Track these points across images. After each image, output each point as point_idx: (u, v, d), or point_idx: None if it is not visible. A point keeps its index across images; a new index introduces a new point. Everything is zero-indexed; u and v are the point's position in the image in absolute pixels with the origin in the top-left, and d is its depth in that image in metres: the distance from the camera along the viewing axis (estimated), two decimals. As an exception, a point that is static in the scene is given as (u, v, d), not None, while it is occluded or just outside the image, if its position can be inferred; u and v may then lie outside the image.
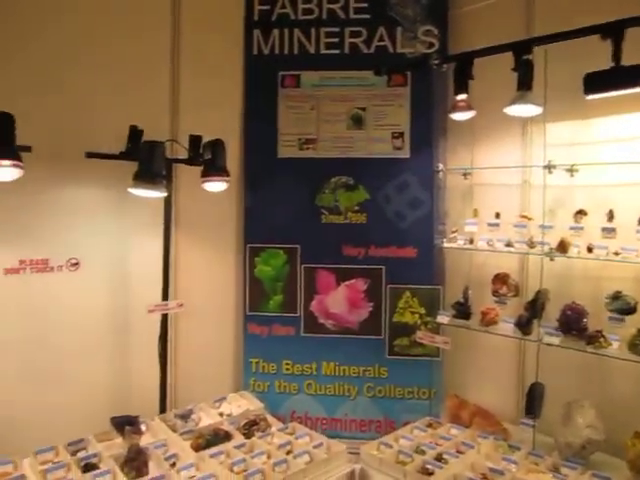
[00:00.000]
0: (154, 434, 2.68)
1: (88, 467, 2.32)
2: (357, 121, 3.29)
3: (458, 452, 2.60)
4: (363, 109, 3.28)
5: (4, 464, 2.30)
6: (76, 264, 2.79)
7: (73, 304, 2.80)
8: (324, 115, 3.31)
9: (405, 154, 3.25)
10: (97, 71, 2.79)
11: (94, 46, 2.79)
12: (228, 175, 2.80)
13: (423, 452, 2.58)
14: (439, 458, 2.52)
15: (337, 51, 3.29)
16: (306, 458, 2.50)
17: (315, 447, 2.58)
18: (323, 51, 3.30)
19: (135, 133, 2.62)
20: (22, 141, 2.17)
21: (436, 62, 2.81)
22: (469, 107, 2.78)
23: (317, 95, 3.31)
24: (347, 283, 3.28)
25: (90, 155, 2.55)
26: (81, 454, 2.42)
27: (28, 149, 2.24)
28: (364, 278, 3.27)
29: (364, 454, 2.62)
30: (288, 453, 2.53)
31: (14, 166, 2.13)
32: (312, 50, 3.30)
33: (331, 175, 3.28)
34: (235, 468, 2.38)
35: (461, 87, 2.71)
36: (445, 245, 3.08)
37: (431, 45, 3.22)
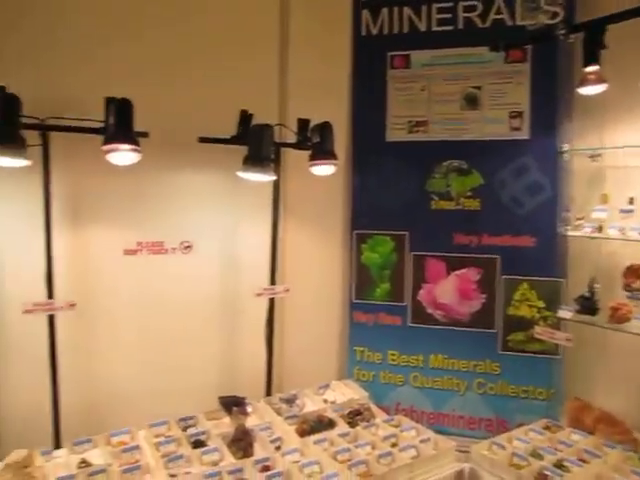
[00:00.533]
0: (260, 416, 2.71)
1: (197, 443, 2.39)
2: (471, 101, 3.09)
3: (580, 460, 2.37)
4: (478, 88, 3.08)
5: (122, 434, 2.44)
6: (189, 247, 2.88)
7: (185, 285, 2.90)
8: (435, 96, 3.15)
9: (524, 135, 3.01)
10: (208, 57, 2.85)
11: (204, 33, 2.84)
12: (336, 159, 2.74)
13: (540, 457, 2.39)
14: (559, 465, 2.31)
15: (450, 27, 3.11)
16: (412, 452, 2.40)
17: (422, 442, 2.48)
18: (435, 28, 3.14)
19: (245, 117, 2.64)
20: (139, 127, 2.25)
21: (562, 32, 2.55)
22: (600, 80, 2.50)
23: (428, 75, 3.15)
24: (458, 273, 3.12)
25: (202, 140, 2.60)
26: (191, 430, 2.50)
27: (145, 135, 2.32)
28: (476, 268, 3.09)
29: (475, 453, 2.47)
30: (393, 446, 2.45)
31: (133, 150, 2.21)
32: (423, 28, 3.15)
33: (442, 159, 3.12)
34: (339, 457, 2.34)
35: (592, 58, 2.44)
36: (569, 233, 2.81)
37: (555, 15, 2.94)
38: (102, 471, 2.15)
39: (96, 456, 2.30)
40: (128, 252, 2.71)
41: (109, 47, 2.59)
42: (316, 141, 2.72)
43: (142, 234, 2.74)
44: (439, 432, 2.64)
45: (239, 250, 3.05)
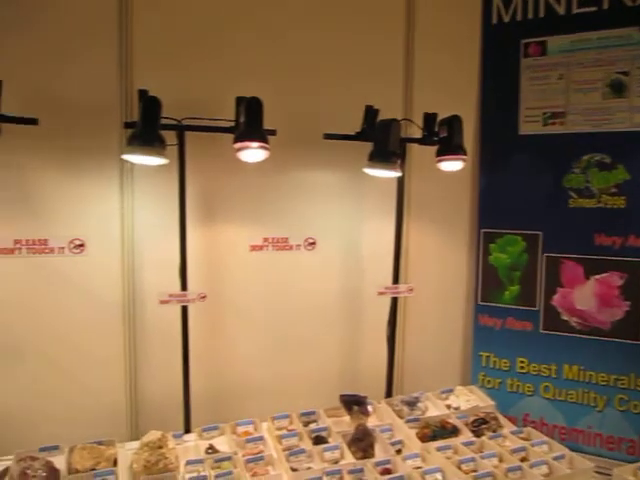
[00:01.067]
0: (380, 417, 2.66)
1: (318, 439, 2.40)
2: (617, 88, 2.80)
3: None
4: (625, 73, 2.78)
5: (247, 424, 2.50)
6: (313, 243, 2.90)
7: (309, 282, 2.91)
8: (575, 84, 2.89)
9: (681, 124, 2.68)
10: (332, 52, 2.82)
11: (328, 28, 2.82)
12: (465, 154, 2.61)
13: (698, 489, 2.12)
14: None
15: (593, 8, 2.84)
16: (544, 470, 2.23)
17: (555, 459, 2.29)
18: (575, 10, 2.88)
19: (370, 112, 2.59)
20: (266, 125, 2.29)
21: None
22: None
23: (567, 62, 2.90)
24: (598, 277, 2.84)
25: (328, 137, 2.59)
26: (312, 426, 2.51)
27: (273, 132, 2.36)
28: (620, 272, 2.79)
29: (618, 478, 2.24)
30: (523, 460, 2.29)
31: (261, 148, 2.25)
32: (561, 11, 2.90)
33: (582, 152, 2.86)
34: (463, 466, 2.23)
35: None
36: None
37: None
38: (228, 458, 2.22)
39: (222, 443, 2.39)
40: (254, 248, 2.78)
41: (236, 47, 2.67)
42: (443, 136, 2.62)
43: (268, 230, 2.80)
44: (572, 449, 2.43)
45: (362, 248, 3.01)
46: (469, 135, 2.98)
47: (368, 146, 2.49)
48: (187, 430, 2.50)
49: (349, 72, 2.85)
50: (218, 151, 2.52)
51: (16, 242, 2.39)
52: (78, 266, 2.49)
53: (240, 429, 2.48)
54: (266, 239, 2.80)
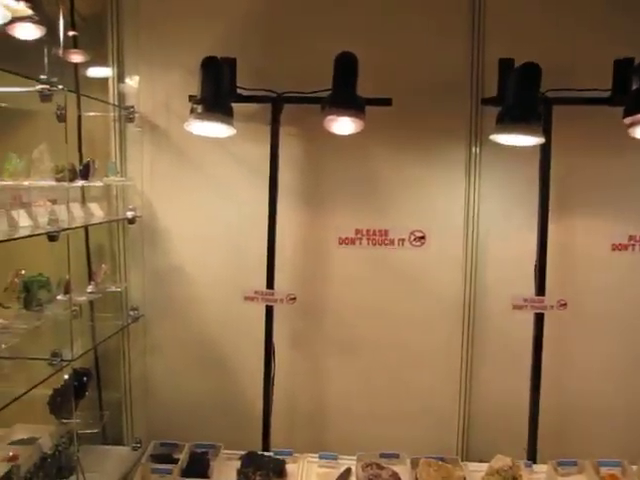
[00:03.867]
0: None
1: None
2: None
3: None
4: None
5: (611, 465, 2.04)
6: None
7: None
8: None
9: None
10: None
11: None
12: None
13: None
14: None
15: None
16: None
17: None
18: None
19: None
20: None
21: None
22: None
23: None
24: None
25: None
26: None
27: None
28: None
29: None
30: None
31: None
32: None
33: None
34: None
35: None
36: None
37: None
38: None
39: (584, 484, 1.98)
40: (617, 247, 2.25)
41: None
42: None
43: (634, 225, 2.25)
44: None
45: None
46: None
47: None
48: (532, 458, 2.13)
49: None
50: (584, 128, 2.10)
51: (357, 232, 2.29)
52: (417, 260, 2.29)
53: (604, 470, 2.02)
54: (632, 237, 2.24)
